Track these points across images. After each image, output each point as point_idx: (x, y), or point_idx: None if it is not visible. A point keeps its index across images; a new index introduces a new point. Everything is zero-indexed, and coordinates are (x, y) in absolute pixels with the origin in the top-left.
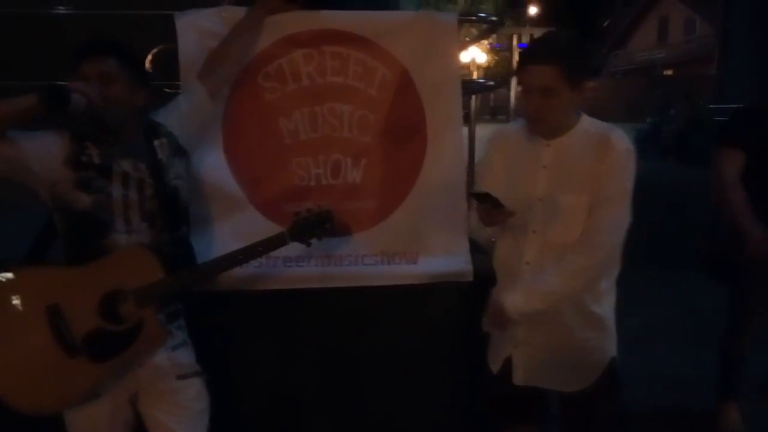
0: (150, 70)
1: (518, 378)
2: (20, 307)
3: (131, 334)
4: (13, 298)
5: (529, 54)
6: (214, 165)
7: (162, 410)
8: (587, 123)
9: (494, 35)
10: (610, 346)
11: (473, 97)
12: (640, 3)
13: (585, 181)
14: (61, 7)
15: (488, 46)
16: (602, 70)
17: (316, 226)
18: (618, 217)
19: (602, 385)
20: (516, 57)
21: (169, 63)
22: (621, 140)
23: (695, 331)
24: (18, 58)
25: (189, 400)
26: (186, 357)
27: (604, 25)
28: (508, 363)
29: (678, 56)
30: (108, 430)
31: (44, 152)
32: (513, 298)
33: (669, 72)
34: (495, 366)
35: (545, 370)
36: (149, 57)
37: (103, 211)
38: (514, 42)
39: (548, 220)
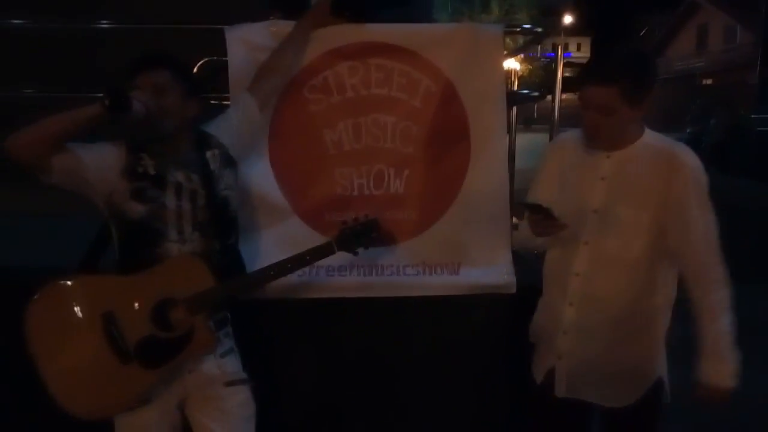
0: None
1: (560, 390)
2: (77, 315)
3: (182, 341)
4: (70, 305)
5: (589, 73)
6: (260, 175)
7: (209, 416)
8: (651, 137)
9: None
10: (658, 365)
11: (514, 107)
12: (678, 10)
13: (648, 197)
14: (104, 22)
15: (521, 56)
16: None
17: (362, 235)
18: (712, 239)
19: (647, 404)
20: (561, 66)
21: (214, 75)
22: (689, 156)
23: (746, 343)
24: (61, 73)
25: (236, 407)
26: (233, 364)
27: (642, 33)
28: (551, 374)
29: (717, 64)
30: None
31: (102, 164)
32: (717, 370)
33: (708, 81)
34: (539, 377)
35: (589, 383)
36: (195, 69)
37: (156, 221)
38: (560, 52)
39: (602, 233)
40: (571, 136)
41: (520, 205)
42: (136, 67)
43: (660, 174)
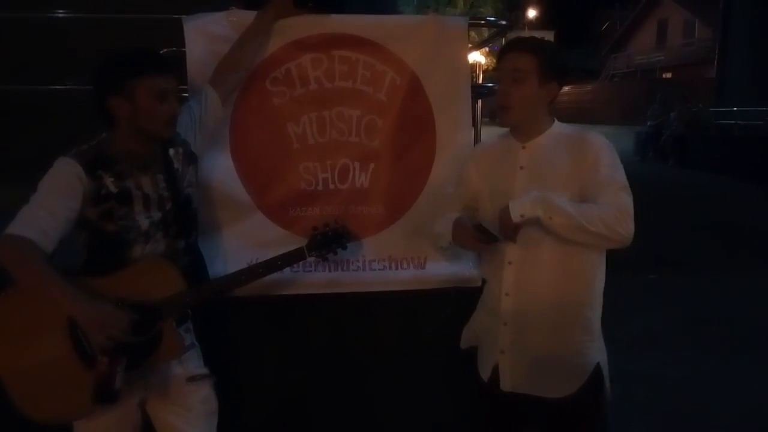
0: None
1: (505, 384)
2: (41, 317)
3: (150, 345)
4: (35, 307)
5: (508, 43)
6: (222, 170)
7: (172, 413)
8: (561, 127)
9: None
10: (596, 352)
11: (479, 101)
12: (638, 6)
13: (566, 181)
14: (60, 11)
15: (486, 49)
16: (600, 74)
17: (333, 241)
18: (619, 203)
19: (588, 391)
20: None
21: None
22: (597, 137)
23: (697, 335)
24: (19, 62)
25: (198, 403)
26: (194, 360)
27: (603, 28)
28: (496, 370)
29: (677, 59)
30: None
31: (72, 214)
32: (520, 201)
33: (668, 75)
34: (485, 374)
35: (531, 376)
36: None
37: (128, 233)
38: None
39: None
40: (486, 141)
41: (473, 227)
42: (145, 66)
43: (573, 156)
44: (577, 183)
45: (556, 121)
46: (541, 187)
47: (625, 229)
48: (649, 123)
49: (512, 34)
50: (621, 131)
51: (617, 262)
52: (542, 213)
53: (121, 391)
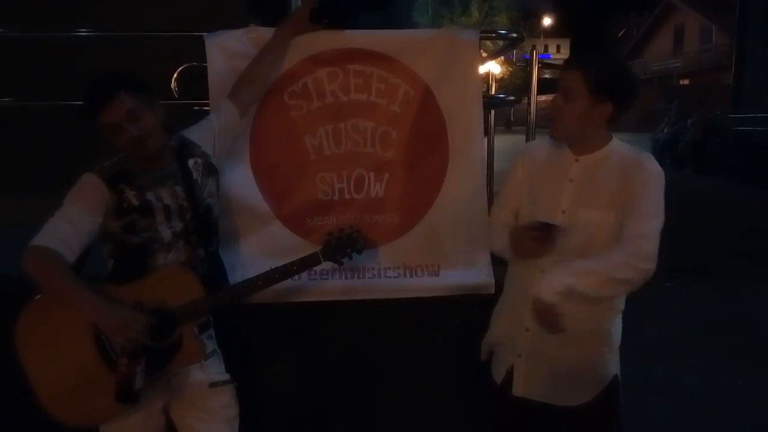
0: (176, 89)
1: (517, 389)
2: (67, 324)
3: (171, 350)
4: (62, 314)
5: (567, 60)
6: (241, 181)
7: (195, 417)
8: (619, 145)
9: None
10: (614, 364)
11: (492, 111)
12: (654, 12)
13: (613, 200)
14: (83, 30)
15: (502, 58)
16: None
17: (347, 246)
18: (648, 233)
19: (602, 402)
20: (536, 69)
21: (194, 81)
22: (653, 163)
23: (713, 343)
24: (41, 81)
25: (220, 408)
26: (216, 366)
27: (619, 35)
28: (510, 374)
29: (694, 65)
30: None
31: (94, 227)
32: (546, 278)
33: (685, 81)
34: (498, 377)
35: (545, 383)
36: (174, 75)
37: (151, 244)
38: (534, 55)
39: (568, 232)
40: (539, 142)
41: (536, 224)
42: (93, 107)
43: (625, 178)
44: (620, 204)
45: (614, 138)
46: (586, 203)
47: (645, 261)
48: (665, 130)
49: (527, 43)
50: (638, 138)
51: None
52: (570, 279)
53: (141, 391)
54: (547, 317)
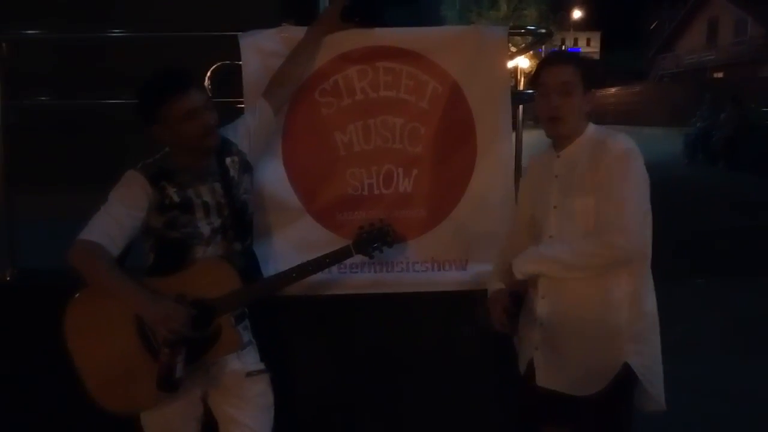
0: (209, 87)
1: (541, 379)
2: (112, 314)
3: (210, 340)
4: (107, 305)
5: (548, 58)
6: (274, 176)
7: (232, 405)
8: (592, 131)
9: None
10: (624, 352)
11: (520, 106)
12: (687, 4)
13: (588, 186)
14: (117, 30)
15: (531, 53)
16: (649, 74)
17: (378, 240)
18: (621, 220)
19: (615, 390)
20: None
21: (227, 79)
22: (617, 143)
23: (744, 341)
24: (76, 80)
25: (256, 396)
26: (252, 356)
27: (651, 27)
28: (531, 365)
29: (728, 58)
30: (181, 425)
31: (137, 222)
32: (516, 260)
33: (719, 75)
34: (522, 367)
35: (562, 374)
36: (208, 74)
37: (191, 240)
38: (564, 49)
39: (562, 225)
40: (540, 152)
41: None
42: (175, 89)
43: (594, 159)
44: (595, 187)
45: (590, 125)
46: (570, 193)
47: (618, 242)
48: (698, 124)
49: (557, 36)
50: (669, 133)
51: (664, 266)
52: (535, 267)
53: (182, 380)
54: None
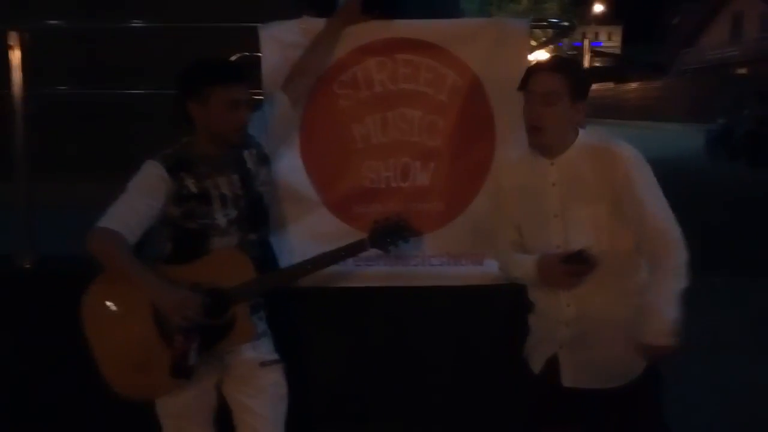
0: None
1: (567, 379)
2: (129, 301)
3: (224, 329)
4: (123, 292)
5: (537, 65)
6: (291, 168)
7: (245, 394)
8: (586, 137)
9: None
10: None
11: None
12: None
13: (598, 191)
14: (137, 21)
15: (551, 46)
16: (670, 69)
17: (394, 233)
18: (665, 209)
19: (645, 381)
20: (588, 57)
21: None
22: (623, 148)
23: (763, 338)
24: (96, 71)
25: (270, 386)
26: (267, 346)
27: (674, 22)
28: (552, 362)
29: (753, 54)
30: (195, 411)
31: (154, 211)
32: (653, 329)
33: (743, 70)
34: (536, 366)
35: (593, 370)
36: None
37: (208, 230)
38: (586, 43)
39: (569, 234)
40: (514, 154)
41: (559, 257)
42: (219, 75)
43: (600, 169)
44: (608, 196)
45: (580, 131)
46: (575, 201)
47: (678, 234)
48: (720, 120)
49: (578, 30)
50: (690, 129)
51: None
52: (673, 312)
53: (195, 367)
54: (662, 355)
